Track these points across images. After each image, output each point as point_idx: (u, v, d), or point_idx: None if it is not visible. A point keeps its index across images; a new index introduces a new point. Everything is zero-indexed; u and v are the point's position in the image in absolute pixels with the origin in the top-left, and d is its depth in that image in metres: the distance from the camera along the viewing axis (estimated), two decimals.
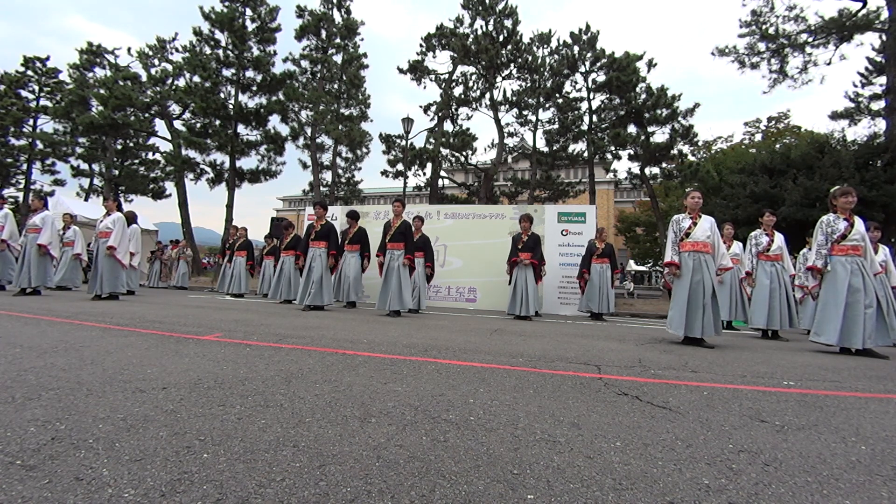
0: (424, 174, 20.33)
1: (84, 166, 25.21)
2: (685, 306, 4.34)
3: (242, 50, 19.68)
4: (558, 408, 1.93)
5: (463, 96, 19.84)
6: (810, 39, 15.42)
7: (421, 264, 7.64)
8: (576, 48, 18.81)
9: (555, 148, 19.61)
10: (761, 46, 16.12)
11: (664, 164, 19.01)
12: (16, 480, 1.08)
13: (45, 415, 1.55)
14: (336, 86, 20.69)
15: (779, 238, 5.92)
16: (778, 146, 21.35)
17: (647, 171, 18.69)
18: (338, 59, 20.73)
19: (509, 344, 3.84)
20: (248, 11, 20.03)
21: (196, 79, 19.71)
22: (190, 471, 1.17)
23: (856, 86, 16.66)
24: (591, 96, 19.08)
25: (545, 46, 19.51)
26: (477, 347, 3.56)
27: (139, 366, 2.38)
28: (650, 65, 17.93)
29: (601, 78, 18.60)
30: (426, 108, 20.21)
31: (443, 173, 21.49)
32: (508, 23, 19.00)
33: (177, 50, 21.72)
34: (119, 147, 24.29)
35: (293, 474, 1.18)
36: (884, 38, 14.27)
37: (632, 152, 18.58)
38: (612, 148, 18.68)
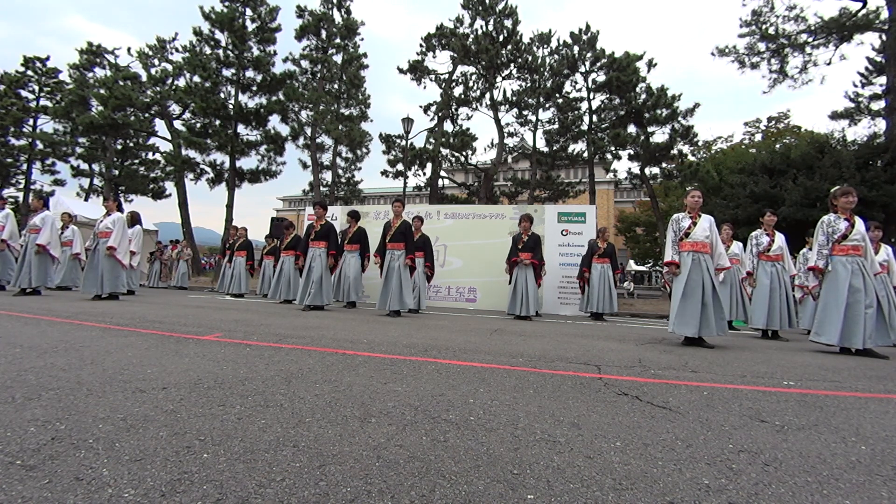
0: (424, 174, 20.35)
1: (84, 166, 25.22)
2: (685, 306, 4.34)
3: (242, 50, 19.67)
4: (558, 408, 1.93)
5: (463, 96, 19.85)
6: (810, 39, 15.43)
7: (421, 264, 7.65)
8: (576, 48, 18.81)
9: (555, 148, 19.62)
10: (761, 46, 16.13)
11: (664, 164, 19.01)
12: (16, 480, 1.08)
13: (45, 415, 1.55)
14: (336, 86, 20.69)
15: (779, 238, 5.92)
16: (778, 146, 21.37)
17: (647, 171, 18.70)
18: (338, 59, 20.74)
19: (509, 344, 3.84)
20: (248, 11, 20.03)
21: (196, 79, 19.71)
22: (190, 471, 1.17)
23: (856, 86, 16.67)
24: (591, 96, 19.09)
25: (545, 46, 19.52)
26: (477, 347, 3.56)
27: (139, 366, 2.38)
28: (650, 65, 17.94)
29: (601, 78, 18.61)
30: (426, 108, 20.22)
31: (443, 173, 21.49)
32: (508, 23, 19.01)
33: (177, 50, 21.75)
34: (119, 147, 24.29)
35: (293, 474, 1.18)
36: (884, 38, 14.26)
37: (632, 152, 18.59)
38: (612, 148, 18.68)
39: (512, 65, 19.38)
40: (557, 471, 1.28)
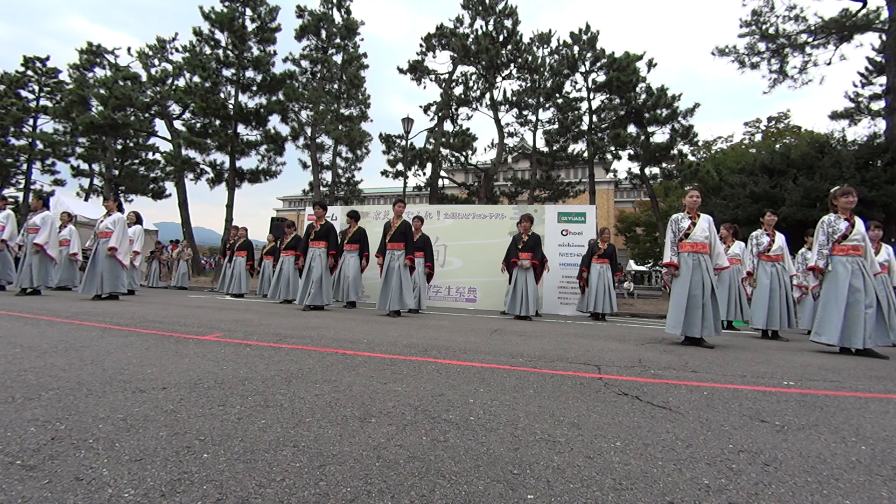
0: (424, 174, 20.35)
1: (84, 166, 25.21)
2: (685, 306, 4.34)
3: (242, 50, 19.68)
4: (558, 408, 1.93)
5: (463, 96, 19.84)
6: (810, 39, 15.43)
7: (421, 264, 7.65)
8: (576, 48, 18.82)
9: (555, 148, 19.61)
10: (761, 46, 16.13)
11: (664, 164, 19.00)
12: (16, 480, 1.08)
13: (45, 415, 1.55)
14: (336, 86, 20.69)
15: (779, 238, 5.92)
16: (778, 146, 21.38)
17: (647, 171, 18.69)
18: (338, 59, 20.74)
19: (509, 344, 3.84)
20: (248, 11, 20.03)
21: (196, 79, 19.71)
22: (190, 471, 1.17)
23: (856, 86, 16.66)
24: (591, 96, 19.09)
25: (545, 46, 19.52)
26: (477, 347, 3.56)
27: (139, 366, 2.38)
28: (650, 65, 17.94)
29: (601, 78, 18.61)
30: (426, 108, 20.22)
31: (443, 173, 21.49)
32: (508, 23, 19.01)
33: (177, 50, 21.73)
34: (119, 147, 24.29)
35: (293, 474, 1.18)
36: (884, 38, 14.26)
37: (632, 152, 18.58)
38: (612, 148, 18.67)
39: (512, 65, 19.38)
40: (557, 471, 1.28)
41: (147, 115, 21.23)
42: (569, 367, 2.90)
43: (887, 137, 13.29)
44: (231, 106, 19.66)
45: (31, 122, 26.09)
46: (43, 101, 26.26)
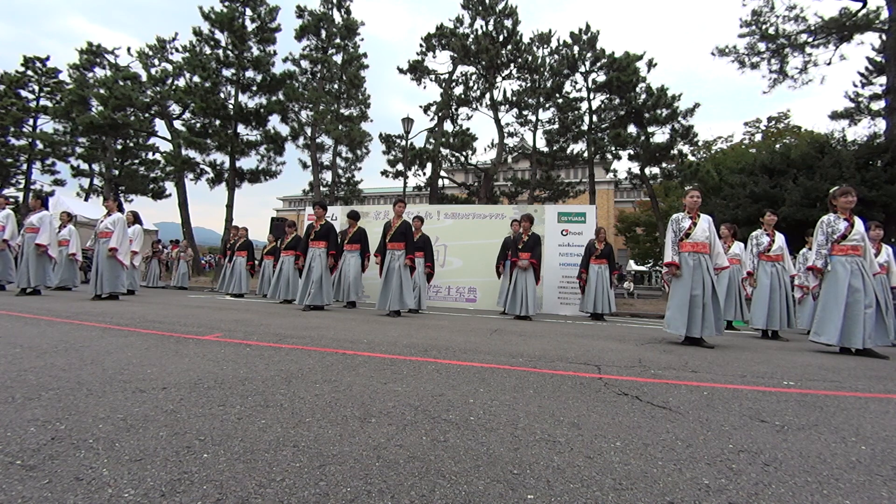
0: (424, 174, 20.34)
1: (84, 166, 25.21)
2: (685, 306, 4.34)
3: (242, 50, 19.67)
4: (558, 408, 1.93)
5: (463, 96, 19.84)
6: (810, 39, 15.43)
7: (421, 264, 7.65)
8: (576, 48, 18.81)
9: (555, 148, 19.61)
10: (761, 46, 16.13)
11: (664, 164, 18.99)
12: (16, 480, 1.08)
13: (45, 415, 1.55)
14: (336, 86, 20.69)
15: (779, 238, 5.93)
16: (778, 146, 21.38)
17: (647, 171, 18.68)
18: (338, 59, 20.73)
19: (509, 344, 3.84)
20: (248, 11, 20.02)
21: (196, 79, 19.70)
22: (190, 471, 1.17)
23: (856, 86, 16.67)
24: (591, 96, 19.09)
25: (545, 46, 19.52)
26: (477, 347, 3.56)
27: (139, 366, 2.38)
28: (650, 65, 17.93)
29: (601, 78, 18.60)
30: (426, 108, 20.21)
31: (443, 173, 21.48)
32: (508, 23, 19.00)
33: (177, 50, 21.73)
34: (119, 147, 24.28)
35: (293, 474, 1.18)
36: (884, 38, 14.26)
37: (632, 152, 18.57)
38: (612, 148, 18.68)
39: (512, 65, 19.38)
40: (557, 471, 1.28)
41: (147, 115, 21.22)
42: (569, 367, 2.90)
43: (887, 137, 13.29)
44: (231, 106, 19.65)
45: (31, 122, 26.08)
46: (43, 101, 26.26)
